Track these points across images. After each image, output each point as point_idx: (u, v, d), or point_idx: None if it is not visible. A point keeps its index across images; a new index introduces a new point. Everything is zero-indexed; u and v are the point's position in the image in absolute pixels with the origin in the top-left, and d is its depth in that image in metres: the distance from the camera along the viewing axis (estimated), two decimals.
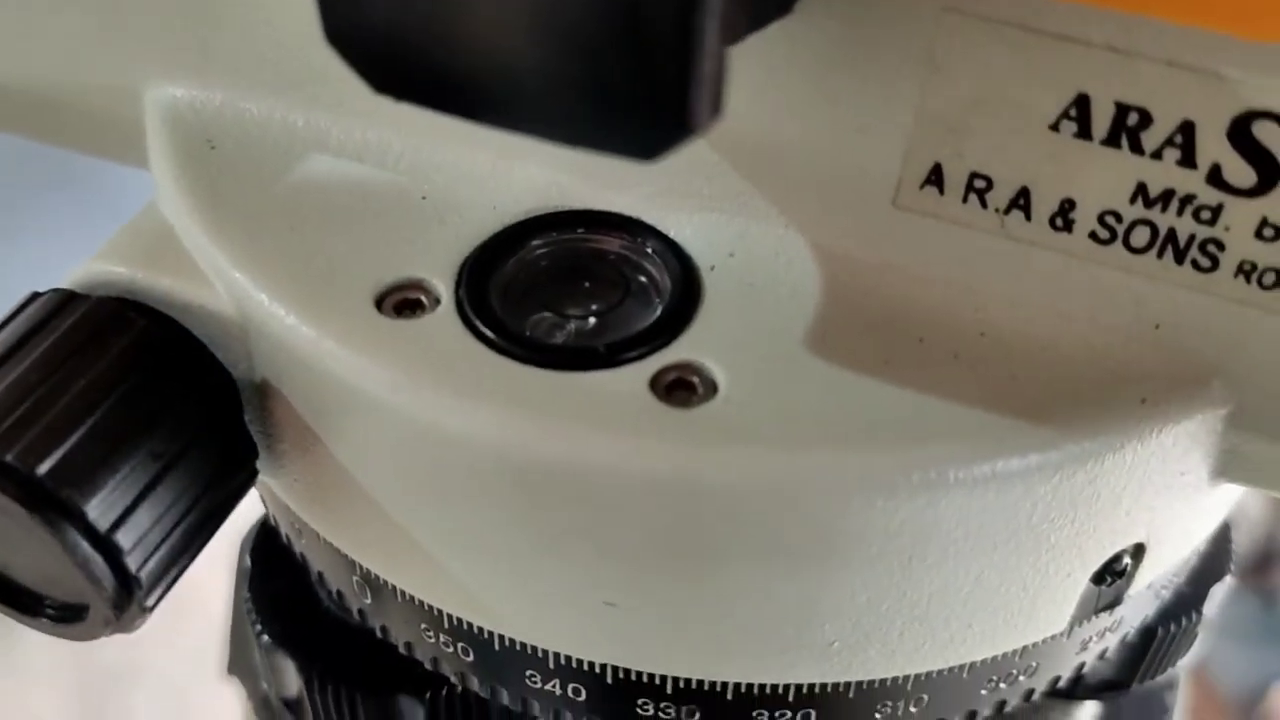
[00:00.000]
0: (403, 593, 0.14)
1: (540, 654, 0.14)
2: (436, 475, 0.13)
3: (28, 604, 0.14)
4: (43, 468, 0.12)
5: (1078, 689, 0.19)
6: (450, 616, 0.14)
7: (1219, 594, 0.18)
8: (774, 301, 0.13)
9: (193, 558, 0.14)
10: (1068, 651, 0.15)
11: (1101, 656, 0.16)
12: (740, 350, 0.12)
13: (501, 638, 0.14)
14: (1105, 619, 0.15)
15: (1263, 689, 1.16)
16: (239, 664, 0.27)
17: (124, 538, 0.12)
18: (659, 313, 0.13)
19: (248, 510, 0.22)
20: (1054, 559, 0.13)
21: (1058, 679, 0.15)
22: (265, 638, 0.17)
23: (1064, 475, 0.12)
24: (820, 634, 0.13)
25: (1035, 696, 0.15)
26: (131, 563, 0.12)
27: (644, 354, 0.12)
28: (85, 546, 0.12)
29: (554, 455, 0.12)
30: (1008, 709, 0.15)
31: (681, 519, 0.12)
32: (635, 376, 0.12)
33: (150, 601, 0.13)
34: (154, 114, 0.15)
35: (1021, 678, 0.15)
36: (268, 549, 0.19)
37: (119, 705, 0.95)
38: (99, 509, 0.12)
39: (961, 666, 0.14)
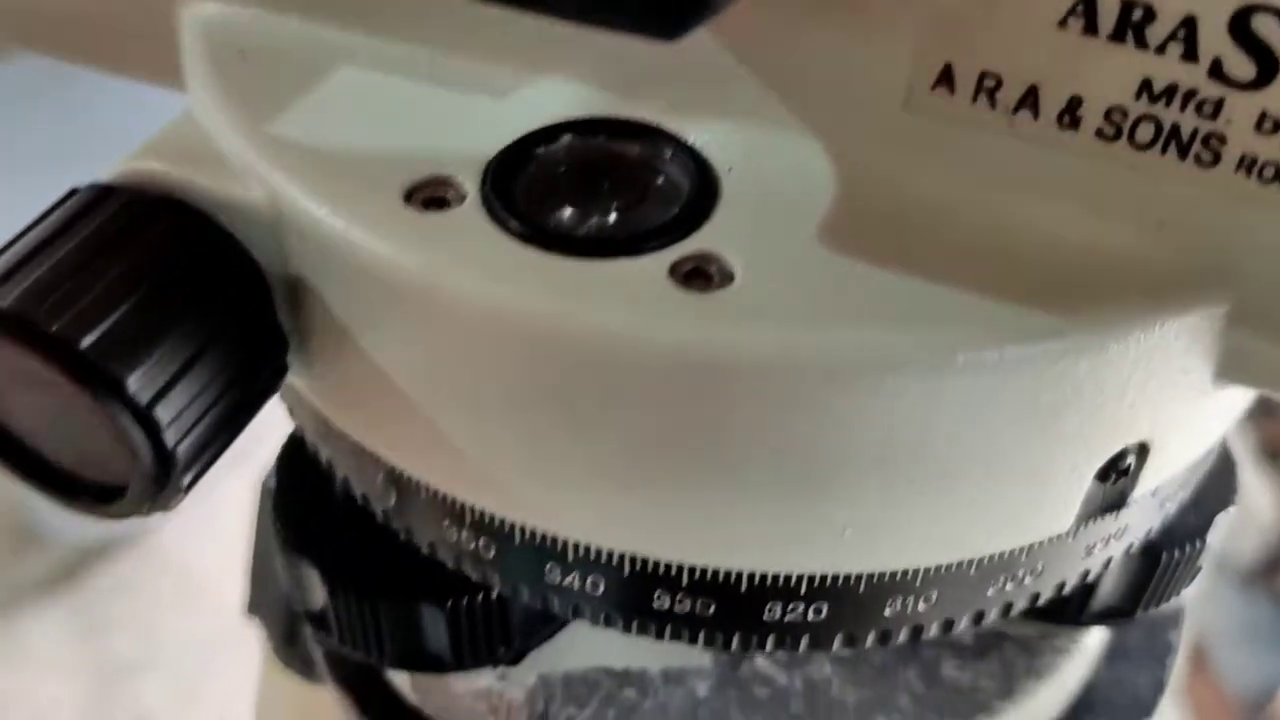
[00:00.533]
0: (428, 489, 0.15)
1: (560, 546, 0.14)
2: (463, 361, 0.13)
3: (66, 486, 0.14)
4: (87, 341, 0.12)
5: (1084, 614, 0.19)
6: (473, 510, 0.15)
7: (1223, 523, 0.19)
8: (788, 201, 0.13)
9: (223, 448, 0.14)
10: (1074, 555, 0.15)
11: (1106, 565, 0.16)
12: (755, 243, 0.13)
13: (523, 530, 0.14)
14: (1110, 524, 0.15)
15: (1272, 691, 1.16)
16: (259, 604, 0.27)
17: (162, 412, 0.13)
18: (677, 210, 0.13)
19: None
20: (1060, 450, 0.13)
21: (1063, 584, 0.16)
22: (291, 550, 0.18)
23: (1069, 362, 0.12)
24: (832, 520, 0.13)
25: (1041, 600, 0.16)
26: (169, 438, 0.13)
27: (663, 244, 0.13)
28: (126, 418, 0.12)
29: (577, 334, 0.12)
30: (1014, 612, 0.16)
31: (697, 396, 0.12)
32: (654, 264, 0.13)
33: (185, 481, 0.13)
34: (188, 29, 0.16)
35: (1028, 579, 0.15)
36: (293, 466, 0.19)
37: (129, 695, 0.96)
38: (139, 383, 0.12)
39: (970, 562, 0.14)
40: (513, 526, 0.15)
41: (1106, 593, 0.19)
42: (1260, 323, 0.13)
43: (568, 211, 0.13)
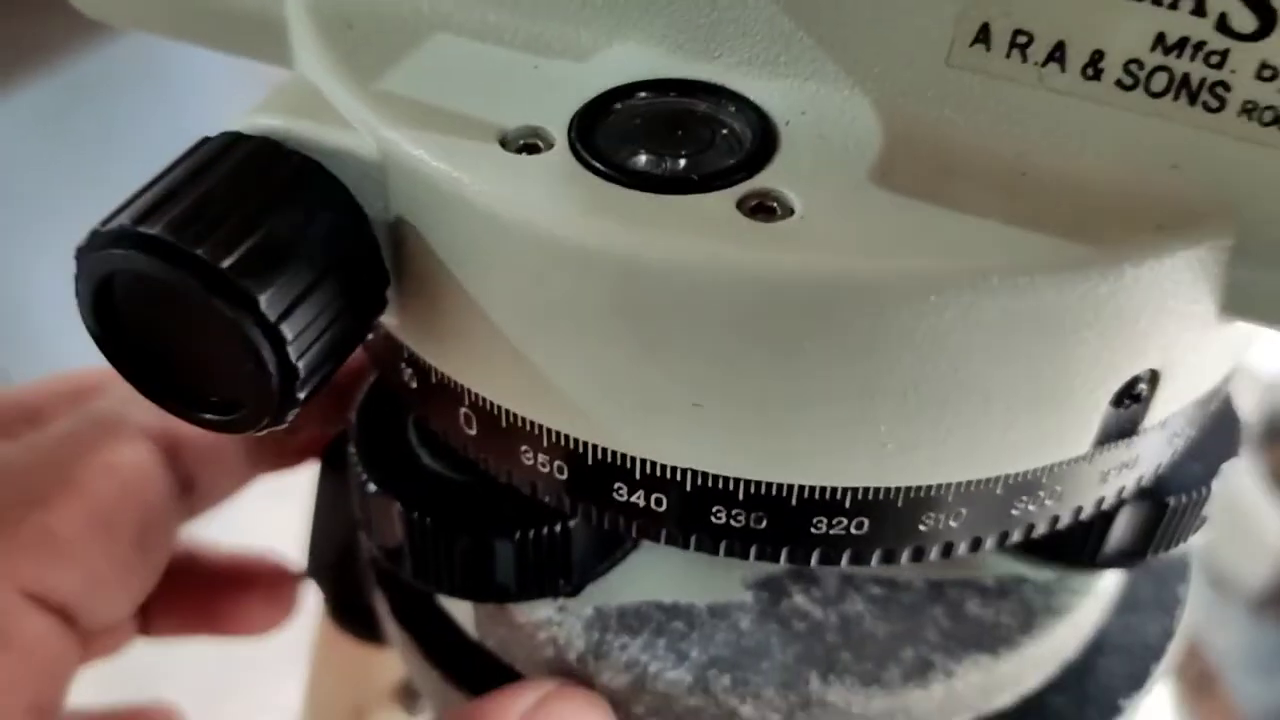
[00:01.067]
0: (508, 416, 0.17)
1: (629, 464, 0.16)
2: (549, 289, 0.15)
3: (188, 400, 0.16)
4: (226, 262, 0.14)
5: (1098, 557, 0.21)
6: (550, 433, 0.16)
7: (1229, 472, 0.20)
8: (842, 148, 0.15)
9: (330, 374, 0.16)
10: (1090, 480, 0.17)
11: (1120, 497, 0.17)
12: (813, 183, 0.14)
13: (594, 450, 0.16)
14: (1124, 451, 0.17)
15: None
16: (318, 568, 0.29)
17: (287, 329, 0.14)
18: (742, 155, 0.15)
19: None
20: (1080, 371, 0.15)
21: (1080, 510, 0.17)
22: (371, 486, 0.20)
23: (1090, 286, 0.14)
24: (876, 434, 0.15)
25: (1061, 524, 0.17)
26: (292, 352, 0.14)
27: (730, 183, 0.14)
28: (258, 332, 0.14)
29: (655, 260, 0.14)
30: (1035, 533, 0.17)
31: (761, 317, 0.14)
32: (723, 199, 0.14)
33: (303, 394, 0.15)
34: (294, 6, 0.17)
35: (1049, 501, 0.17)
36: (373, 414, 0.21)
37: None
38: (269, 301, 0.14)
39: (996, 480, 0.16)
40: (585, 448, 0.16)
41: (1118, 537, 0.20)
42: (1262, 257, 0.14)
43: (644, 157, 0.15)
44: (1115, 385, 0.15)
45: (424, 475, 0.20)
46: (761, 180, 0.14)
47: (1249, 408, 1.40)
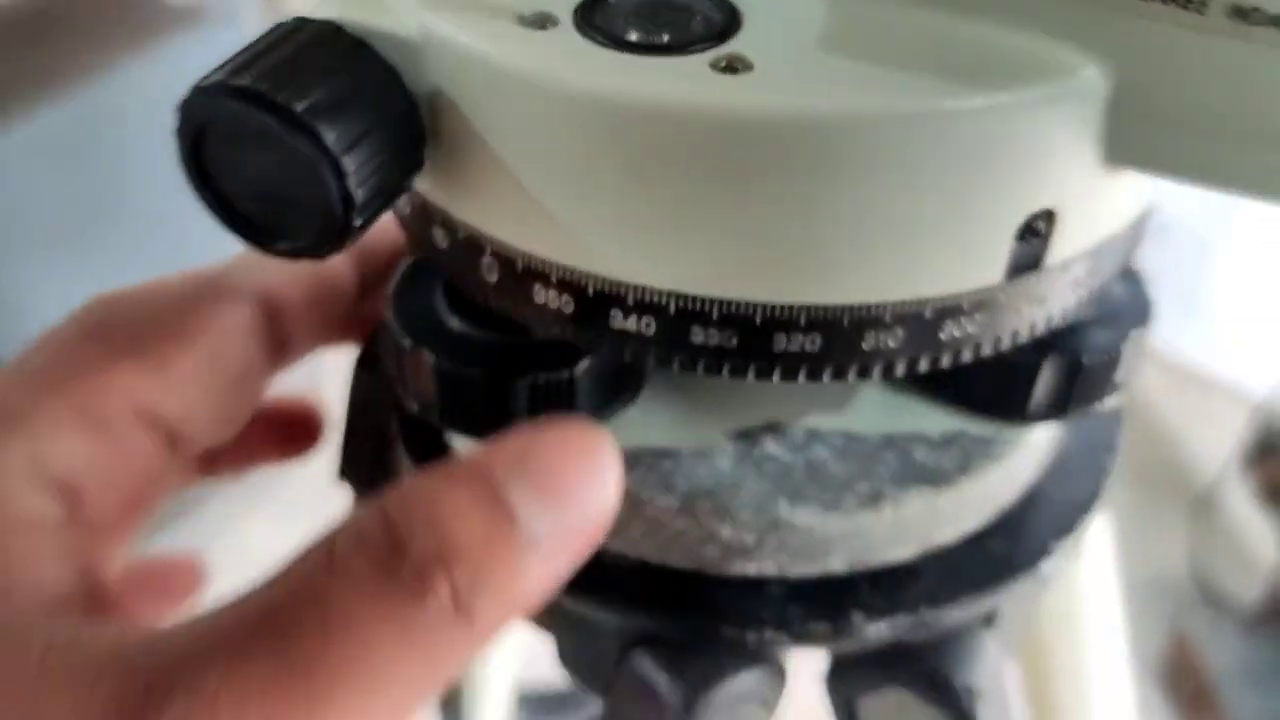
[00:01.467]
0: (523, 258, 0.20)
1: (623, 292, 0.20)
2: (559, 137, 0.18)
3: (265, 234, 0.19)
4: (300, 106, 0.18)
5: (1027, 412, 0.24)
6: (557, 269, 0.20)
7: (1138, 339, 0.24)
8: (794, 27, 0.19)
9: (376, 214, 0.20)
10: (1005, 310, 0.20)
11: (1033, 331, 0.21)
12: (768, 50, 0.18)
13: (594, 282, 0.20)
14: (1032, 286, 0.20)
15: None
16: (350, 464, 0.32)
17: (348, 163, 0.18)
18: (713, 31, 0.19)
19: None
20: (985, 205, 0.18)
21: (999, 339, 0.21)
22: (407, 344, 0.23)
23: (989, 120, 0.18)
24: (823, 255, 0.19)
25: (984, 351, 0.21)
26: (351, 183, 0.18)
27: (703, 49, 0.18)
28: (325, 164, 0.18)
29: (644, 104, 0.18)
30: (963, 359, 0.21)
31: (722, 150, 0.18)
32: (697, 60, 0.18)
33: (358, 222, 0.19)
34: None
35: (971, 329, 0.20)
36: (407, 286, 0.24)
37: None
38: (333, 138, 0.18)
39: (925, 302, 0.19)
40: (587, 280, 0.20)
41: (1041, 392, 0.24)
42: (1136, 113, 0.18)
43: (634, 33, 0.19)
44: (1017, 219, 0.19)
45: (451, 334, 0.23)
46: (728, 48, 0.18)
47: (1236, 429, 1.43)
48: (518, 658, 0.51)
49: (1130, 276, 0.25)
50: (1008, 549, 0.25)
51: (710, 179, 0.18)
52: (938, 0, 0.18)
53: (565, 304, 0.20)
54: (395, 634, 0.17)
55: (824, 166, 0.18)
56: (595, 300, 0.20)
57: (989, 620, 0.26)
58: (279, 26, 0.19)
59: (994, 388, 0.24)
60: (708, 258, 0.19)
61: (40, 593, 0.19)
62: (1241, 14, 0.17)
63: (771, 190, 0.18)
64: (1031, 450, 0.25)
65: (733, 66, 0.18)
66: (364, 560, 0.17)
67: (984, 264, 0.19)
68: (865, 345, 0.20)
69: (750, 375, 0.20)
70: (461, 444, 0.26)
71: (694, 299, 0.19)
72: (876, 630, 0.24)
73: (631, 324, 0.20)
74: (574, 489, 0.19)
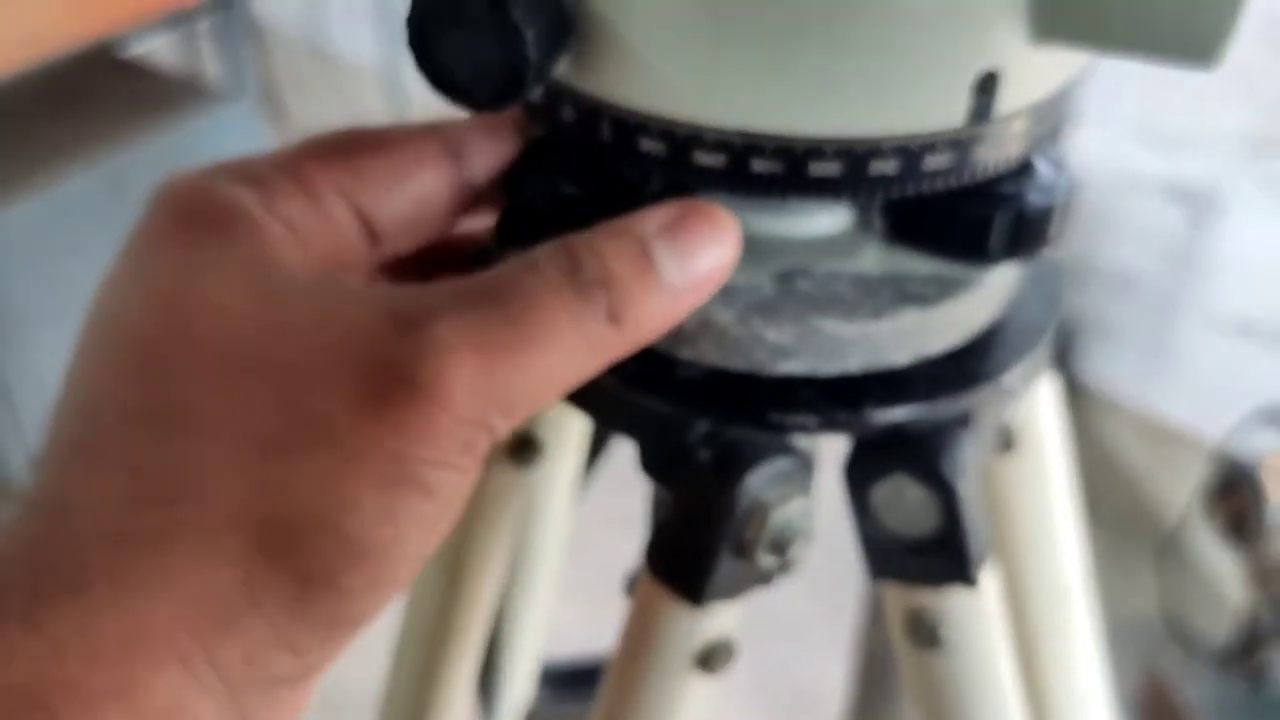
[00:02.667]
0: (633, 114, 0.29)
1: (703, 134, 0.28)
2: (667, 11, 0.27)
3: (458, 93, 0.28)
4: None
5: (987, 254, 0.33)
6: (658, 120, 0.29)
7: (1064, 203, 0.33)
8: None
9: (540, 78, 0.28)
10: (968, 150, 0.29)
11: (994, 168, 0.30)
12: None
13: (683, 129, 0.28)
14: (988, 130, 0.29)
15: None
16: None
17: (528, 33, 0.27)
18: None
19: None
20: (945, 60, 0.27)
21: (965, 170, 0.29)
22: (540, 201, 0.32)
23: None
24: (846, 97, 0.27)
25: (960, 180, 0.29)
26: (528, 49, 0.27)
27: None
28: (513, 33, 0.27)
29: None
30: (943, 185, 0.29)
31: (778, 13, 0.26)
32: None
33: (531, 79, 0.27)
34: None
35: (947, 157, 0.29)
36: (521, 166, 0.33)
37: None
38: (519, 14, 0.27)
39: (911, 136, 0.28)
40: (678, 127, 0.28)
41: (996, 240, 0.32)
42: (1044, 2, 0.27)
43: None
44: (970, 74, 0.28)
45: (561, 197, 0.32)
46: None
47: (1197, 473, 1.52)
48: (542, 637, 0.58)
49: (1061, 164, 0.34)
50: (978, 363, 0.34)
51: (770, 36, 0.27)
52: None
53: (662, 149, 0.29)
54: (569, 319, 0.26)
55: (843, 23, 0.26)
56: (683, 143, 0.29)
57: (965, 421, 0.34)
58: None
59: (962, 238, 0.33)
60: (766, 101, 0.28)
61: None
62: None
63: (811, 42, 0.27)
64: (994, 289, 0.34)
65: None
66: (554, 268, 0.26)
67: (951, 110, 0.28)
68: (871, 172, 0.29)
69: (791, 198, 0.29)
70: None
71: (755, 134, 0.28)
72: (883, 416, 0.33)
73: (710, 160, 0.29)
74: (699, 253, 0.27)
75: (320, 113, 2.75)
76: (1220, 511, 1.36)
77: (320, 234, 0.29)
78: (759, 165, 0.29)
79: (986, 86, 0.28)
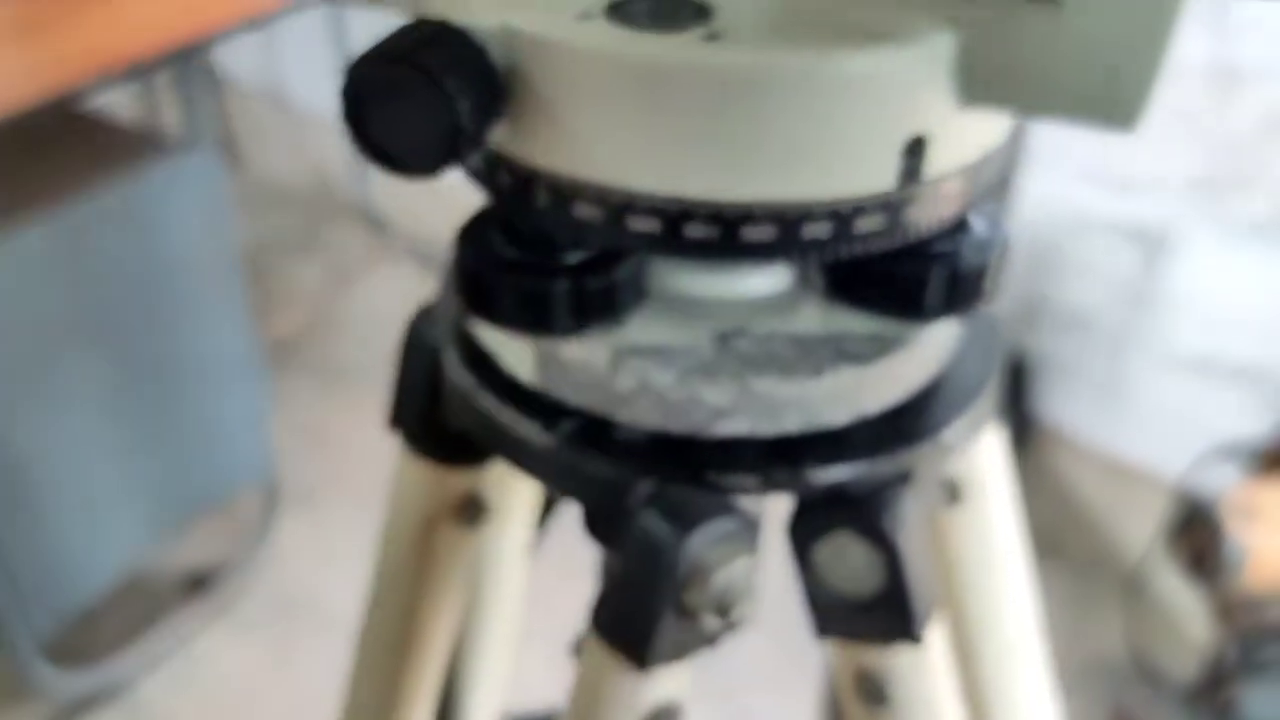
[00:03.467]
0: (569, 181, 0.29)
1: (638, 200, 0.29)
2: (603, 88, 0.27)
3: (392, 163, 0.28)
4: (431, 64, 0.27)
5: (923, 311, 0.33)
6: (593, 186, 0.29)
7: (998, 259, 0.33)
8: (749, 14, 0.28)
9: (472, 143, 0.28)
10: (899, 212, 0.29)
11: (922, 229, 0.30)
12: (737, 28, 0.28)
13: (618, 195, 0.29)
14: (917, 192, 0.29)
15: None
16: (400, 413, 0.41)
17: (460, 105, 0.27)
18: (697, 15, 0.28)
19: None
20: (879, 126, 0.28)
21: (897, 230, 0.30)
22: (482, 266, 0.32)
23: (871, 69, 0.27)
24: (776, 163, 0.28)
25: (892, 242, 0.30)
26: (461, 119, 0.27)
27: (693, 28, 0.28)
28: (445, 104, 0.27)
29: (661, 58, 0.27)
30: (875, 247, 0.30)
31: (704, 90, 0.27)
32: (690, 35, 0.27)
33: (464, 148, 0.28)
34: None
35: (878, 220, 0.29)
36: (469, 233, 0.33)
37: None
38: (451, 86, 0.27)
39: (843, 200, 0.28)
40: (613, 193, 0.29)
41: (931, 298, 0.33)
42: (976, 69, 0.28)
43: (648, 20, 0.28)
44: (898, 139, 0.28)
45: (507, 261, 0.32)
46: (708, 28, 0.28)
47: (1158, 511, 1.53)
48: (501, 694, 0.58)
49: (995, 218, 0.34)
50: (917, 420, 0.34)
51: (700, 110, 0.27)
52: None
53: (596, 215, 0.29)
54: None
55: (774, 99, 0.27)
56: (617, 209, 0.29)
57: (906, 478, 0.34)
58: (411, 24, 0.28)
59: (899, 296, 0.33)
60: (699, 168, 0.28)
61: None
62: None
63: (743, 116, 0.27)
64: (931, 346, 0.34)
65: (713, 36, 0.27)
66: None
67: (881, 173, 0.29)
68: (805, 235, 0.29)
69: (725, 261, 0.29)
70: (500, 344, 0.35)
71: (687, 200, 0.28)
72: (823, 476, 0.33)
73: (644, 225, 0.29)
74: None
75: (279, 162, 2.75)
76: (1181, 548, 1.36)
77: None
78: (692, 230, 0.29)
79: (915, 150, 0.29)
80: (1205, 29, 1.51)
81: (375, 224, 2.42)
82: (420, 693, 0.45)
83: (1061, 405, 1.90)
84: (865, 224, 0.29)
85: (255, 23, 1.39)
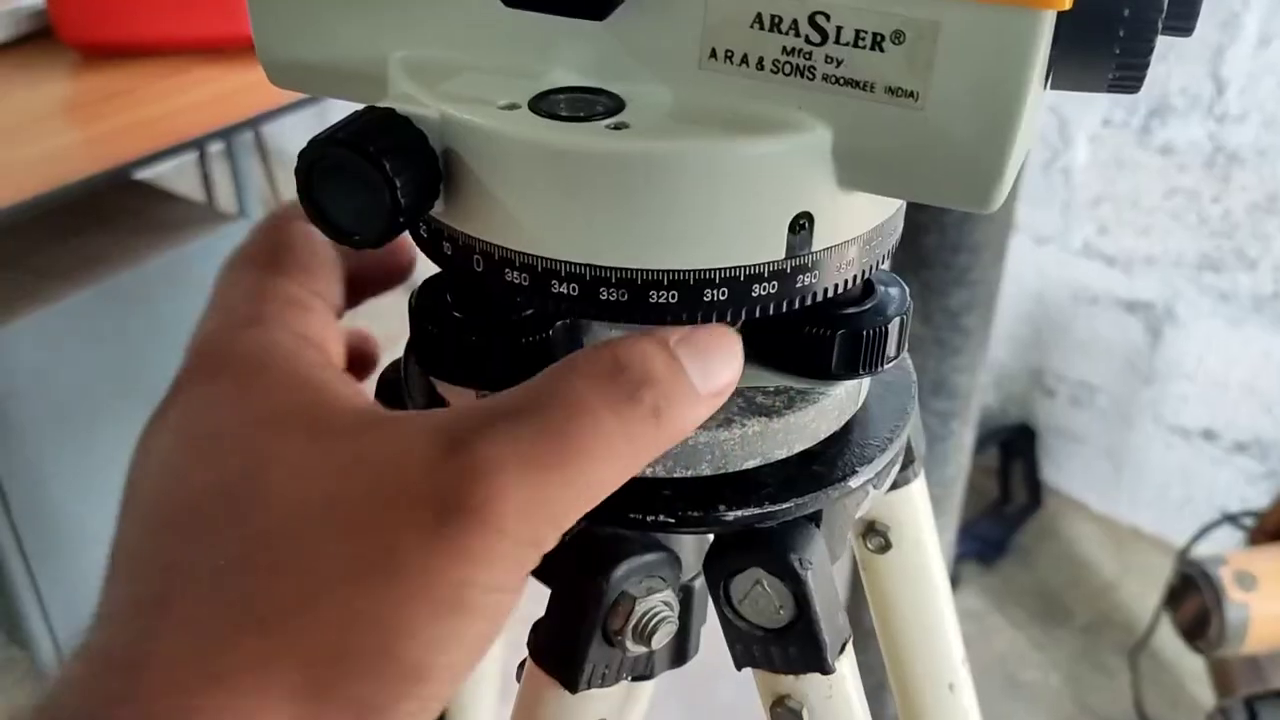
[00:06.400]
0: (499, 250, 0.33)
1: (557, 266, 0.32)
2: (519, 169, 0.32)
3: (340, 233, 0.32)
4: (372, 148, 0.31)
5: (831, 371, 0.37)
6: (519, 255, 0.33)
7: (899, 324, 0.37)
8: (654, 107, 0.32)
9: (410, 220, 0.32)
10: (792, 279, 0.33)
11: (814, 296, 0.34)
12: (642, 119, 0.32)
13: (542, 262, 0.32)
14: (806, 261, 0.33)
15: None
16: None
17: (400, 184, 0.31)
18: (611, 108, 0.32)
19: None
20: (766, 203, 0.32)
21: (791, 300, 0.33)
22: (433, 327, 0.36)
23: (758, 155, 0.31)
24: (678, 236, 0.32)
25: (784, 307, 0.33)
26: (400, 197, 0.31)
27: (604, 118, 0.32)
28: (385, 184, 0.31)
29: (573, 145, 0.31)
30: (770, 311, 0.33)
31: (613, 173, 0.31)
32: (597, 126, 0.31)
33: (401, 222, 0.32)
34: (395, 64, 0.35)
35: (771, 289, 0.33)
36: (423, 298, 0.37)
37: None
38: (390, 168, 0.31)
39: (739, 269, 0.32)
40: (537, 261, 0.33)
41: (836, 360, 0.36)
42: (848, 157, 0.32)
43: (565, 111, 0.32)
44: (787, 216, 0.32)
45: (455, 321, 0.36)
46: (617, 119, 0.32)
47: (1163, 576, 1.54)
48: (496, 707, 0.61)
49: (897, 282, 0.38)
50: (825, 467, 0.38)
51: (609, 189, 0.31)
52: (734, 92, 0.32)
53: (524, 279, 0.33)
54: (616, 422, 0.27)
55: (672, 180, 0.31)
56: (542, 274, 0.33)
57: (815, 519, 0.38)
58: (360, 111, 0.32)
59: (806, 357, 0.37)
60: (609, 240, 0.32)
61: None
62: (895, 92, 0.30)
63: (646, 195, 0.31)
64: (839, 400, 0.38)
65: (620, 126, 0.31)
66: (597, 370, 0.27)
67: (771, 246, 0.32)
68: (705, 298, 0.33)
69: (637, 322, 0.33)
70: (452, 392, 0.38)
71: (601, 268, 0.32)
72: (734, 517, 0.36)
73: (564, 289, 0.33)
74: (718, 362, 0.30)
75: None
76: (1183, 614, 1.37)
77: (330, 339, 0.32)
78: (605, 293, 0.33)
79: (801, 225, 0.32)
80: (1205, 114, 1.54)
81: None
82: None
83: (1069, 473, 1.91)
84: (760, 290, 0.33)
85: (305, 102, 1.45)
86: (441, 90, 0.33)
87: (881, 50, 0.30)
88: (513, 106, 0.32)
